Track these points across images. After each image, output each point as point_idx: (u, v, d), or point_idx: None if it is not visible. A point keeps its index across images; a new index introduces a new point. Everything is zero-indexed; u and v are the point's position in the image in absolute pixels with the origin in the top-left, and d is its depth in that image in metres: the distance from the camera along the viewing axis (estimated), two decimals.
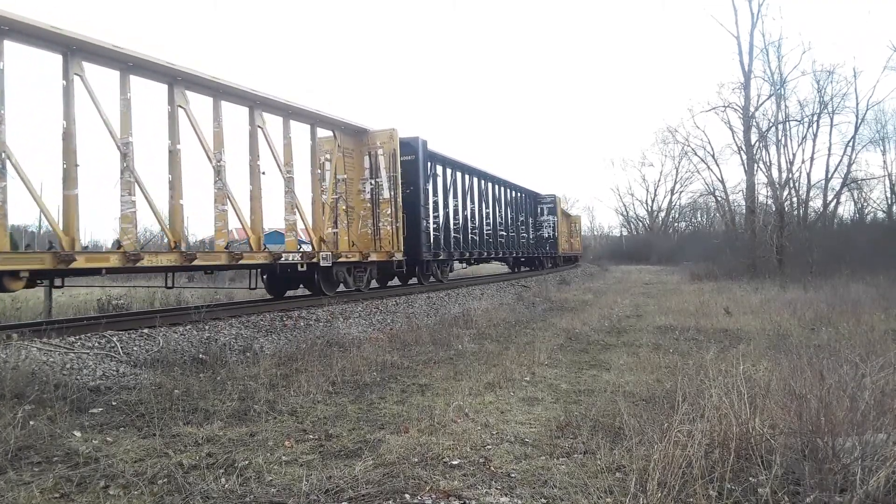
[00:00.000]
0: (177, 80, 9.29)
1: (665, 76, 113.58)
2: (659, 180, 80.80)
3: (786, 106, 27.78)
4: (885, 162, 52.87)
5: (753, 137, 26.88)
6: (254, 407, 5.25)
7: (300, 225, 11.75)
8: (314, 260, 11.70)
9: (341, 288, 13.15)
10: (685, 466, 3.23)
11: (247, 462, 3.89)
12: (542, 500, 3.30)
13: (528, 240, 27.93)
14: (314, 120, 12.45)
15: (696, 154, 39.74)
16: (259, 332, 9.21)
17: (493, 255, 22.77)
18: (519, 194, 26.64)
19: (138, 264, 8.45)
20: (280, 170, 11.32)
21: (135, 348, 7.46)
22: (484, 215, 21.32)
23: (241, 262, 10.12)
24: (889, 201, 34.49)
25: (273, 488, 3.46)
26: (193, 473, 3.70)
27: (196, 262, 9.43)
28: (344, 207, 13.34)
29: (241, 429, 4.69)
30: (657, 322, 11.19)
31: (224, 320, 9.27)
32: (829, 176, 29.68)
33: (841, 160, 29.66)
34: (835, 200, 31.80)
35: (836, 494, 3.00)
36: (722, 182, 41.18)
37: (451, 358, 7.87)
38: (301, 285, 13.46)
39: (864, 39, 65.82)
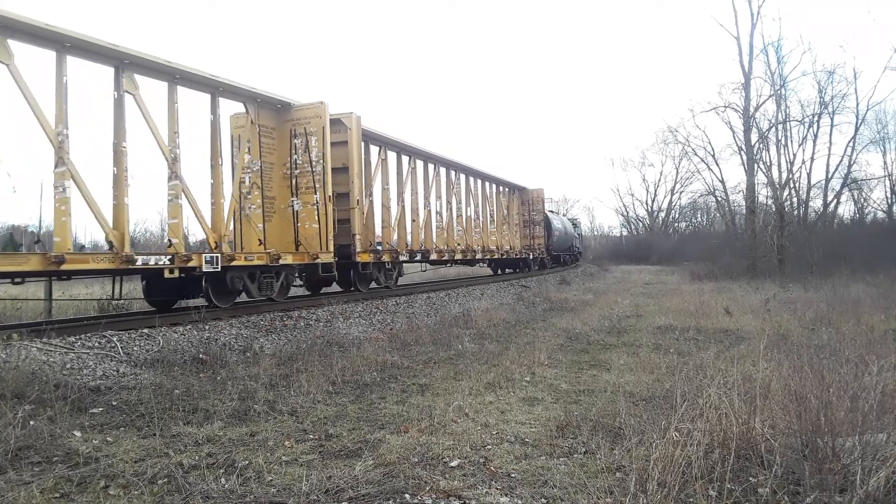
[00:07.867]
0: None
1: (665, 76, 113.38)
2: (659, 180, 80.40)
3: (786, 106, 27.75)
4: (885, 162, 52.40)
5: (754, 138, 26.86)
6: (254, 407, 5.26)
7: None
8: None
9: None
10: (685, 466, 3.23)
11: (247, 462, 3.89)
12: (542, 500, 3.30)
13: None
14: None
15: (696, 154, 39.79)
16: (259, 331, 9.21)
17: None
18: None
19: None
20: None
21: (135, 348, 7.46)
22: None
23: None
24: (889, 201, 34.40)
25: (273, 488, 3.46)
26: (193, 473, 3.70)
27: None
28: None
29: (241, 429, 4.69)
30: (657, 322, 11.18)
31: (224, 320, 9.28)
32: (830, 176, 29.60)
33: (841, 160, 29.54)
34: (835, 201, 31.73)
35: (835, 494, 3.00)
36: (722, 182, 41.04)
37: (451, 358, 7.87)
38: None
39: (864, 40, 65.83)
